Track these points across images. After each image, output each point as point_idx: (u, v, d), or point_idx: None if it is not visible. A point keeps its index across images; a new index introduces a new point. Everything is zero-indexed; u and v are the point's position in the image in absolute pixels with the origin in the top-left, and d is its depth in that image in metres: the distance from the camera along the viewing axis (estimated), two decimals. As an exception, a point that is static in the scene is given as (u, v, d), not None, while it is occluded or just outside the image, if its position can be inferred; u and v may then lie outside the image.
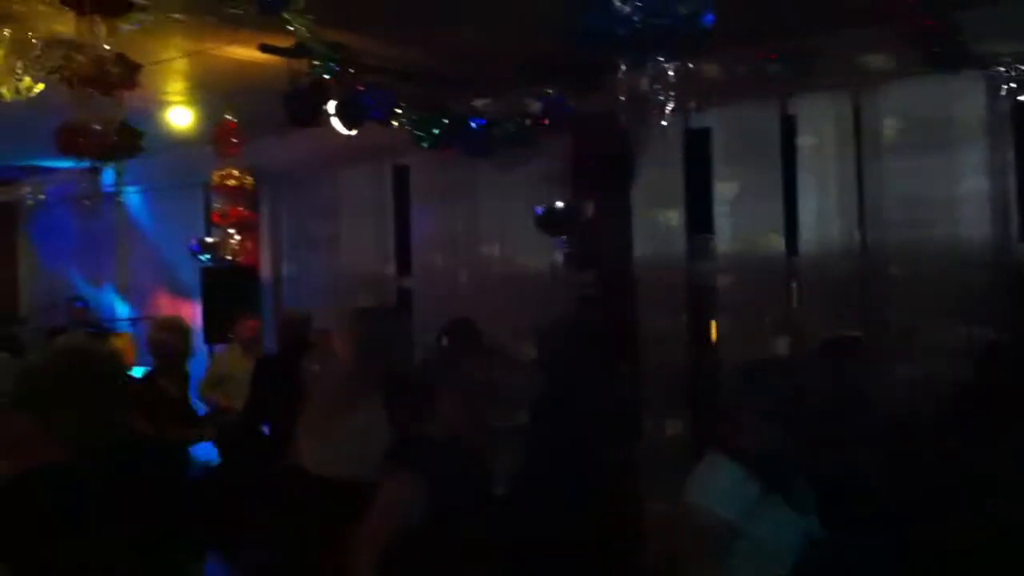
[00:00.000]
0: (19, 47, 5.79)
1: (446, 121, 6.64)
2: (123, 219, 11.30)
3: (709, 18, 3.69)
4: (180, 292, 10.35)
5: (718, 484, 3.07)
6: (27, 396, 2.25)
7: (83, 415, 2.26)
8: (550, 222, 7.32)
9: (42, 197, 9.81)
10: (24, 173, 10.10)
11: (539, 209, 7.33)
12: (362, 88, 6.20)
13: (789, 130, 6.78)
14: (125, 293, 11.35)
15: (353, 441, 3.77)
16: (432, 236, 8.71)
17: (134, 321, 10.53)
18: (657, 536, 4.67)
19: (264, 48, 5.97)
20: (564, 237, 7.37)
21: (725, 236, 7.04)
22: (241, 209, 8.62)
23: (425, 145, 6.85)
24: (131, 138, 5.35)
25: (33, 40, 5.81)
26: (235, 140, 8.09)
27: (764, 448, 3.05)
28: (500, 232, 8.21)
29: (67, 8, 4.92)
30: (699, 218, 7.22)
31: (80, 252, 11.84)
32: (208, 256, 9.25)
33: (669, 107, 4.37)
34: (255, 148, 8.45)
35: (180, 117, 8.22)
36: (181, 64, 6.99)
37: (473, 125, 6.72)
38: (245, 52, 6.40)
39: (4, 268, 12.39)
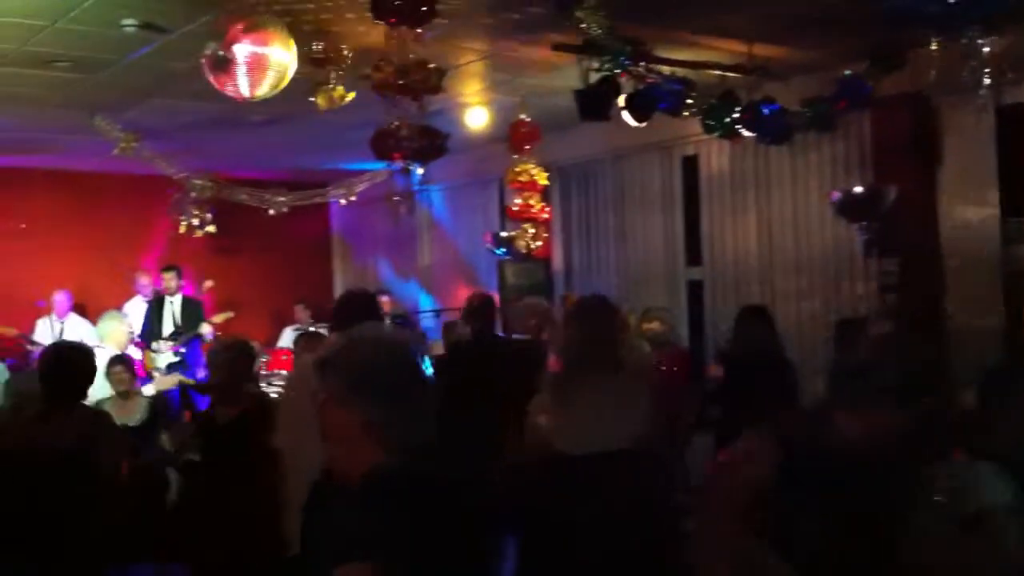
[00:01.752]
0: (332, 58, 6.24)
1: (738, 108, 6.53)
2: (425, 216, 11.93)
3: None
4: (478, 284, 10.77)
5: (967, 481, 2.93)
6: (364, 390, 2.19)
7: (416, 409, 2.22)
8: (849, 208, 7.04)
9: (353, 198, 10.49)
10: (335, 176, 10.84)
11: (836, 195, 7.08)
12: (652, 80, 6.21)
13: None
14: (428, 286, 11.96)
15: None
16: (722, 226, 8.60)
17: (436, 313, 11.06)
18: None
19: (557, 47, 6.11)
20: (864, 223, 7.06)
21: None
22: (534, 203, 8.85)
23: (717, 134, 6.78)
24: (437, 139, 5.63)
25: (345, 52, 6.26)
26: (529, 137, 8.34)
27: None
28: (794, 220, 8.00)
29: (377, 20, 5.22)
30: (1015, 200, 6.73)
31: (387, 248, 12.60)
32: (503, 249, 9.57)
33: (982, 83, 4.11)
34: (548, 144, 8.68)
35: (477, 117, 8.56)
36: (478, 66, 7.28)
37: (766, 111, 6.57)
38: (538, 51, 6.59)
39: (320, 264, 13.38)
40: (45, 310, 10.08)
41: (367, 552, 1.98)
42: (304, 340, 7.05)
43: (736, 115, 6.53)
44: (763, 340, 6.30)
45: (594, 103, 6.21)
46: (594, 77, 6.09)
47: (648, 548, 3.67)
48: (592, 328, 4.07)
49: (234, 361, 5.15)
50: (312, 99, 6.48)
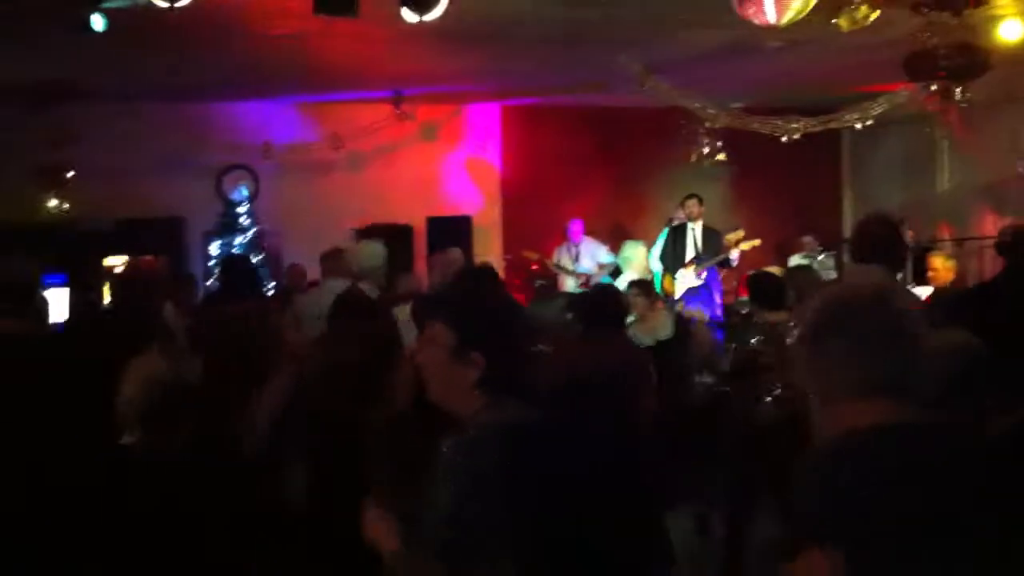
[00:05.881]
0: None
1: None
2: (946, 138, 11.20)
3: None
4: (1008, 211, 10.00)
5: None
6: None
7: None
8: None
9: (870, 122, 10.07)
10: (844, 100, 10.50)
11: None
12: None
13: None
14: (948, 213, 11.27)
15: None
16: None
17: (957, 242, 10.43)
18: None
19: None
20: None
21: None
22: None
23: None
24: (978, 56, 5.27)
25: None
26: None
27: None
28: None
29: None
30: None
31: (901, 173, 12.03)
32: (1038, 174, 8.78)
33: None
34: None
35: (1011, 30, 7.84)
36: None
37: None
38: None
39: (828, 191, 13.11)
40: (563, 236, 10.92)
41: None
42: None
43: None
44: None
45: None
46: None
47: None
48: None
49: None
50: (834, 21, 6.32)
